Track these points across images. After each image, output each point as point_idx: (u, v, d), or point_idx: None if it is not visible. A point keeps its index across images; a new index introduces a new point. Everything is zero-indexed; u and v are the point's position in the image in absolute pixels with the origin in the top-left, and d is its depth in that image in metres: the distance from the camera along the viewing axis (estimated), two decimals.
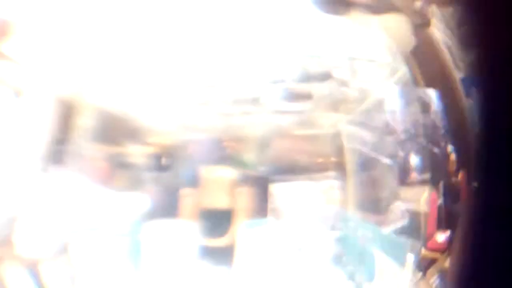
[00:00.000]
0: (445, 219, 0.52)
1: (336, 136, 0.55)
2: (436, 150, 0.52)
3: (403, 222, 0.58)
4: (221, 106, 0.54)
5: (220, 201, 0.56)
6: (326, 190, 0.57)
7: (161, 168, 0.52)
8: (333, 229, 0.61)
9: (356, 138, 0.57)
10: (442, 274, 0.50)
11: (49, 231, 0.46)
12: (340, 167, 0.56)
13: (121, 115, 0.51)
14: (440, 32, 0.44)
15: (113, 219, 0.52)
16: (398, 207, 0.58)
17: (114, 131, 0.52)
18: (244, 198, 0.57)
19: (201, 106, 0.53)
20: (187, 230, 0.54)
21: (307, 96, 0.56)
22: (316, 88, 0.55)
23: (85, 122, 0.48)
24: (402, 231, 0.53)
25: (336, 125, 0.55)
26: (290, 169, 0.58)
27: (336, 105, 0.55)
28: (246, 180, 0.56)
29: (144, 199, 0.51)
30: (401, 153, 0.56)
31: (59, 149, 0.46)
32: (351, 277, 0.61)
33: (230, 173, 0.55)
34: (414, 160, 0.55)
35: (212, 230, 0.58)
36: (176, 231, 0.52)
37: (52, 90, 0.49)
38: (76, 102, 0.50)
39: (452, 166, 0.44)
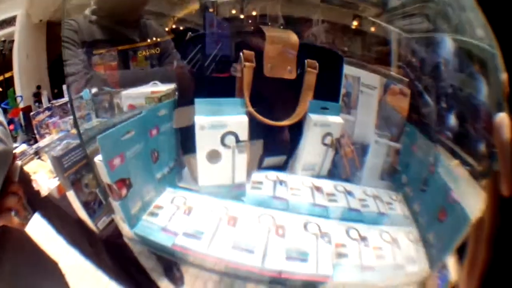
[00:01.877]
0: None
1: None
2: (471, 130, 0.50)
3: None
4: None
5: (286, 71, 0.51)
6: (397, 95, 0.55)
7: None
8: (396, 138, 0.57)
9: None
10: None
11: None
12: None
13: None
14: None
15: None
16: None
17: None
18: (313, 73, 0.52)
19: None
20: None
21: None
22: None
23: None
24: None
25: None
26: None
27: None
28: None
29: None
30: (443, 104, 0.58)
31: None
32: (409, 200, 0.55)
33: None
34: (453, 120, 0.53)
35: (275, 107, 0.51)
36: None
37: None
38: None
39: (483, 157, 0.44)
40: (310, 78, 0.53)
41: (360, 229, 0.47)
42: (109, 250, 0.45)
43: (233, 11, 0.54)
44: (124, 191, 0.41)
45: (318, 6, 0.56)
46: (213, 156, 0.46)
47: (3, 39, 0.66)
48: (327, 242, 0.44)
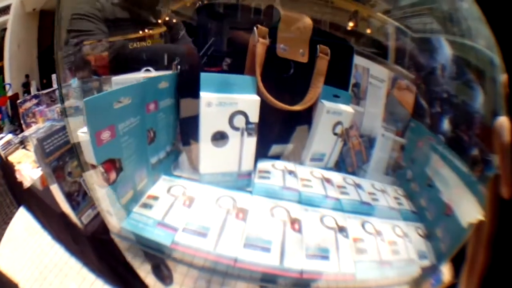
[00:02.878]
0: None
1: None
2: (464, 136, 0.50)
3: None
4: None
5: (298, 54, 0.46)
6: (404, 90, 0.54)
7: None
8: (401, 133, 0.55)
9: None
10: None
11: None
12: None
13: None
14: None
15: None
16: None
17: None
18: (325, 59, 0.49)
19: None
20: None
21: None
22: None
23: None
24: None
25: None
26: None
27: None
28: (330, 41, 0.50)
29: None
30: (437, 108, 0.58)
31: None
32: (414, 196, 0.53)
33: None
34: (446, 125, 0.53)
35: (285, 91, 0.47)
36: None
37: None
38: None
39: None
40: (322, 63, 0.49)
41: (374, 223, 0.44)
42: (94, 246, 0.36)
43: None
44: (113, 175, 0.33)
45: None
46: (219, 139, 0.40)
47: None
48: (345, 237, 0.40)
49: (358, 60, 0.55)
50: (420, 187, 0.54)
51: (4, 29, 0.62)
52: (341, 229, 0.41)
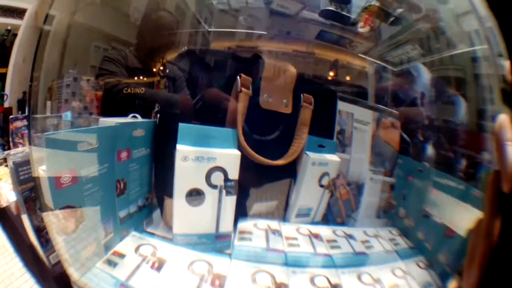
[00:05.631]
0: None
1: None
2: (449, 154, 0.50)
3: None
4: None
5: (281, 105, 0.45)
6: (389, 128, 0.53)
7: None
8: (390, 173, 0.53)
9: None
10: None
11: None
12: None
13: None
14: None
15: None
16: None
17: None
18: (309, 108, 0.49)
19: None
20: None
21: None
22: None
23: None
24: None
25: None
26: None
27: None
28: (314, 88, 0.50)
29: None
30: (420, 137, 0.58)
31: None
32: (410, 232, 0.49)
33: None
34: (430, 151, 0.53)
35: (268, 144, 0.46)
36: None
37: None
38: None
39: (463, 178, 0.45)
40: (306, 113, 0.48)
41: (371, 272, 0.41)
42: None
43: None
44: (71, 225, 0.30)
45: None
46: (195, 197, 0.38)
47: (9, 27, 0.63)
48: None
49: (341, 105, 0.54)
50: (416, 221, 0.52)
51: (15, 34, 0.60)
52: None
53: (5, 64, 0.59)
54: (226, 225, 0.40)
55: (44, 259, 0.37)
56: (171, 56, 0.52)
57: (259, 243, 0.41)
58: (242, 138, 0.41)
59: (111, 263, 0.34)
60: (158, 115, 0.44)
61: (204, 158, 0.37)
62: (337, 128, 0.55)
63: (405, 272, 0.43)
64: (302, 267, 0.39)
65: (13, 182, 0.39)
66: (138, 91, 0.48)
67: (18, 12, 0.63)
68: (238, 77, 0.42)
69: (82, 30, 0.55)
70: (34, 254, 0.37)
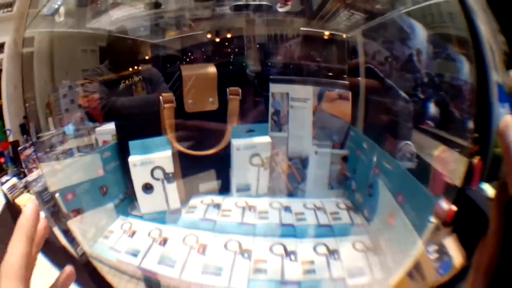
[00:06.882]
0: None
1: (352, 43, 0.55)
2: (456, 113, 0.48)
3: (410, 165, 0.52)
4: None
5: (207, 104, 0.54)
6: (335, 100, 0.55)
7: None
8: (340, 145, 0.56)
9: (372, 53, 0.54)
10: (441, 247, 0.43)
11: None
12: (352, 79, 0.53)
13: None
14: None
15: None
16: (408, 148, 0.53)
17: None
18: (236, 100, 0.56)
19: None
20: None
21: None
22: None
23: None
24: None
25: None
26: (296, 71, 0.58)
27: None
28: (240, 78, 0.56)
29: None
30: (420, 95, 0.54)
31: None
32: (359, 208, 0.53)
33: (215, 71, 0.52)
34: (433, 109, 0.51)
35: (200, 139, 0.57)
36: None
37: None
38: None
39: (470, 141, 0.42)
40: (233, 104, 0.58)
41: (287, 244, 0.49)
42: (88, 272, 0.52)
43: None
44: (79, 218, 0.52)
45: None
46: (147, 188, 0.55)
47: None
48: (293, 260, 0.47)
49: (274, 88, 0.60)
50: (363, 197, 0.55)
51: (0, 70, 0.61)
52: (291, 253, 0.47)
53: None
54: (174, 203, 0.56)
55: (74, 252, 0.53)
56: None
57: (197, 215, 0.56)
58: (173, 141, 0.55)
59: (106, 237, 0.54)
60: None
61: (147, 162, 0.54)
62: (271, 110, 0.61)
63: (330, 250, 0.47)
64: (225, 233, 0.52)
65: (40, 204, 0.49)
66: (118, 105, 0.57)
67: None
68: (160, 97, 0.55)
69: (65, 39, 0.59)
70: (66, 253, 0.52)
